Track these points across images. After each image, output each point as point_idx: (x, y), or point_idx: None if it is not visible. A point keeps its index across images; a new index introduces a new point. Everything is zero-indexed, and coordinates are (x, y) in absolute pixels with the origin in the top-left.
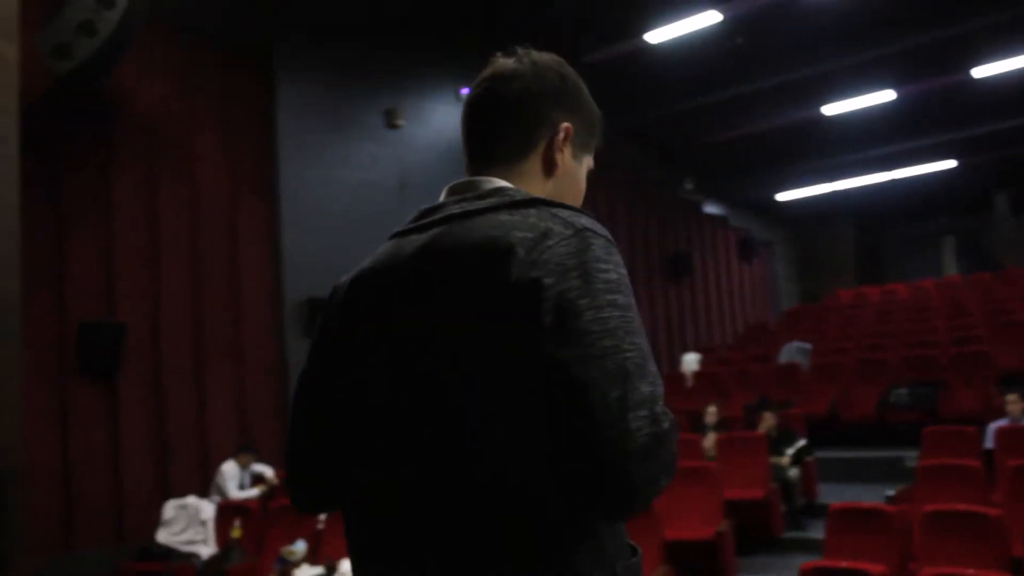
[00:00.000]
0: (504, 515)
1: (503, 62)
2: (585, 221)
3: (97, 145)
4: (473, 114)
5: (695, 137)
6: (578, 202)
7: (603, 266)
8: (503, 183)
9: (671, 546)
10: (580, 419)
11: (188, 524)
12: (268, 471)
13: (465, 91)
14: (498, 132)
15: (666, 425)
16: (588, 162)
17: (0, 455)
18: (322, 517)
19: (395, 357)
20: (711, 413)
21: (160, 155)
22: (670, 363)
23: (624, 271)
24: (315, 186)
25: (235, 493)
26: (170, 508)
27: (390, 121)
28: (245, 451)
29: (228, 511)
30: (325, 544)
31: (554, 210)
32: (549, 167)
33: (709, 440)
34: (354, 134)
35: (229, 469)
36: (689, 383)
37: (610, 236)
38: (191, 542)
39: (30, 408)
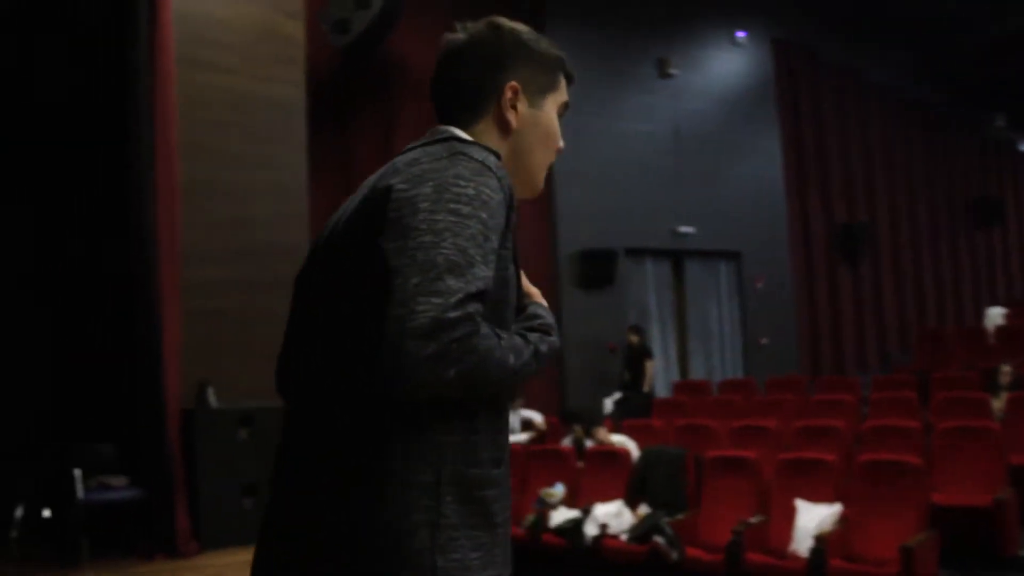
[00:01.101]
0: (352, 406)
1: (445, 40)
2: (474, 151)
3: (380, 109)
4: (431, 94)
5: (1005, 68)
6: (550, 145)
7: (461, 182)
8: (456, 131)
9: (939, 511)
10: (387, 304)
11: None
12: (537, 417)
13: (741, 35)
14: (450, 111)
15: (454, 315)
16: (555, 100)
17: None
18: (580, 464)
19: (303, 274)
20: (1005, 373)
21: None
22: (974, 316)
23: (491, 193)
24: (587, 139)
25: None
26: None
27: (663, 70)
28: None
29: None
30: (583, 487)
31: (456, 143)
32: (503, 127)
33: (1000, 401)
34: (627, 85)
35: None
36: (991, 339)
37: (496, 168)
38: None
39: None
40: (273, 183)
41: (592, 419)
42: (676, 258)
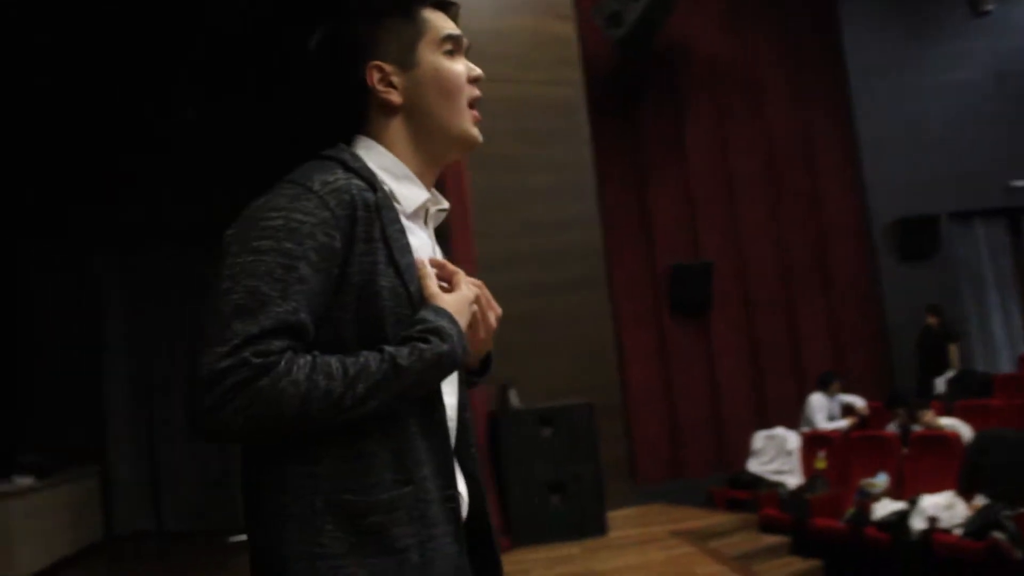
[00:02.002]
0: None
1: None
2: (303, 173)
3: (666, 99)
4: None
5: None
6: (450, 90)
7: (272, 214)
8: (332, 150)
9: None
10: None
11: (776, 454)
12: (859, 401)
13: None
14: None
15: (226, 363)
16: (429, 43)
17: (599, 392)
18: (904, 451)
19: None
20: None
21: (725, 94)
22: None
23: (303, 217)
24: (893, 99)
25: (823, 424)
26: (759, 439)
27: (977, 8)
28: (830, 381)
29: (812, 442)
30: (908, 477)
31: (296, 170)
32: (389, 109)
33: None
34: (933, 33)
35: (817, 400)
36: None
37: (317, 183)
38: (779, 472)
39: (633, 348)
40: (560, 185)
41: (917, 401)
42: (1012, 217)
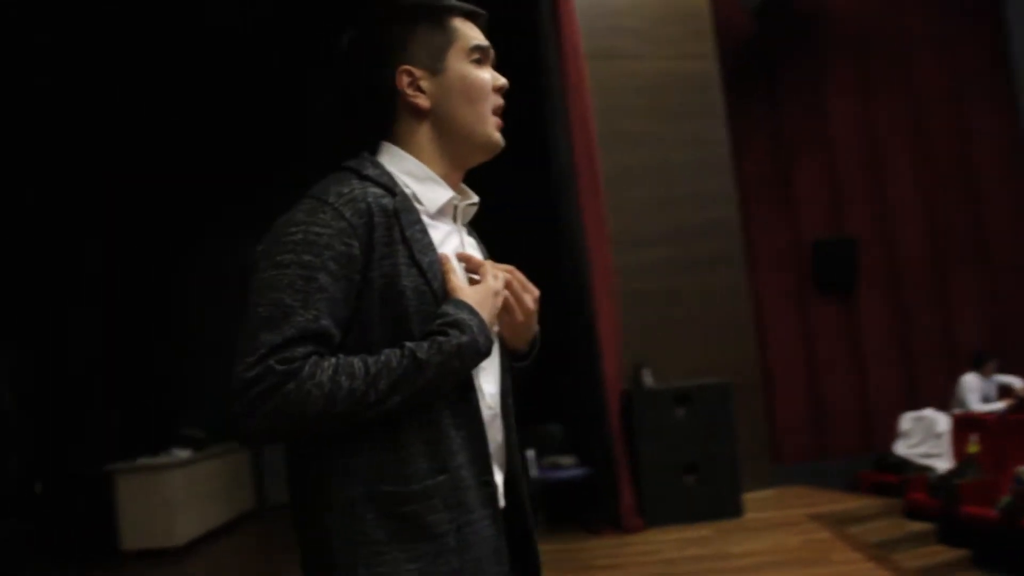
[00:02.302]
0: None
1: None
2: (321, 188)
3: (806, 68)
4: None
5: None
6: (476, 97)
7: (292, 229)
8: (352, 161)
9: None
10: None
11: (924, 437)
12: (1017, 382)
13: None
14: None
15: (252, 373)
16: (459, 51)
17: (737, 371)
18: None
19: None
20: None
21: (870, 62)
22: None
23: (320, 230)
24: None
25: (977, 406)
26: (907, 420)
27: None
28: (985, 360)
29: (965, 424)
30: None
31: (316, 186)
32: (417, 113)
33: None
34: None
35: (970, 380)
36: None
37: (332, 195)
38: (927, 455)
39: (775, 327)
40: (695, 161)
41: None
42: None
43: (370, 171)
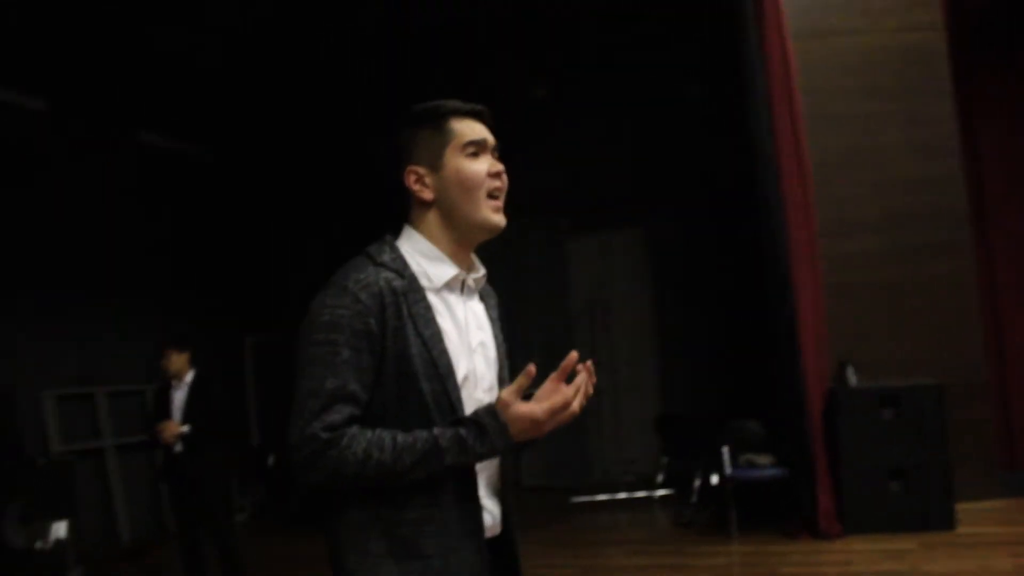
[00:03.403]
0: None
1: None
2: (342, 274)
3: None
4: None
5: None
6: (470, 188)
7: (322, 310)
8: (372, 247)
9: None
10: None
11: None
12: None
13: None
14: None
15: (300, 437)
16: (455, 149)
17: (959, 370)
18: None
19: None
20: None
21: None
22: None
23: (341, 311)
24: None
25: None
26: None
27: None
28: None
29: None
30: None
31: (347, 264)
32: (423, 204)
33: None
34: None
35: None
36: None
37: (351, 282)
38: None
39: (1017, 323)
40: (916, 141)
41: None
42: None
43: (385, 256)
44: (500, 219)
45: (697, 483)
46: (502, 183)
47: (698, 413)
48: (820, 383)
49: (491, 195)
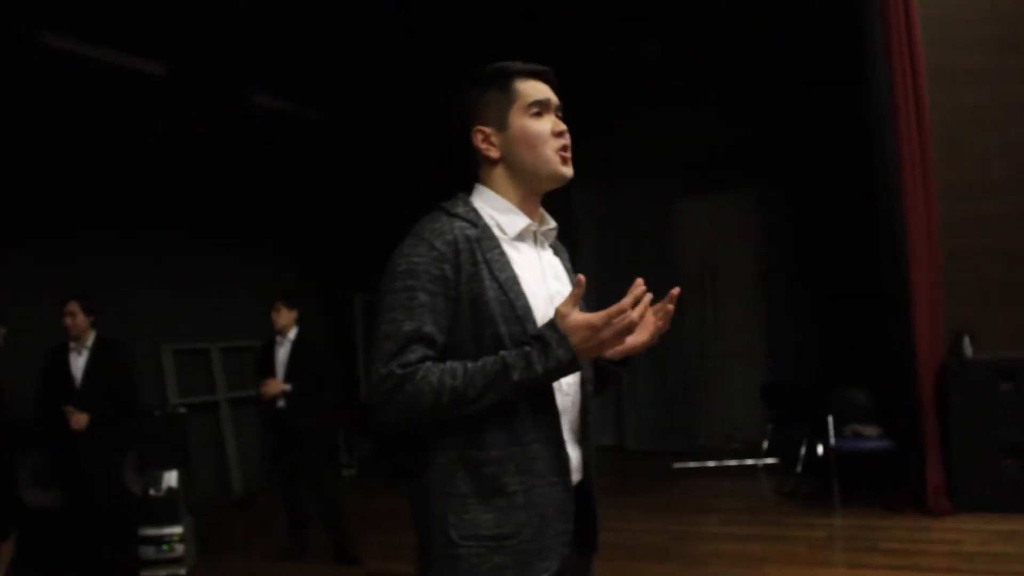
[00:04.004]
0: None
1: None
2: (421, 224)
3: None
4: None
5: None
6: (536, 144)
7: (400, 261)
8: (446, 202)
9: None
10: None
11: None
12: None
13: None
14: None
15: (380, 374)
16: (520, 108)
17: None
18: None
19: None
20: None
21: None
22: None
23: (417, 259)
24: None
25: None
26: None
27: None
28: None
29: None
30: None
31: (424, 217)
32: (490, 162)
33: None
34: None
35: None
36: None
37: (427, 232)
38: None
39: None
40: None
41: None
42: None
43: (459, 209)
44: (568, 169)
45: (802, 452)
46: (567, 140)
47: (804, 381)
48: (933, 353)
49: (557, 152)
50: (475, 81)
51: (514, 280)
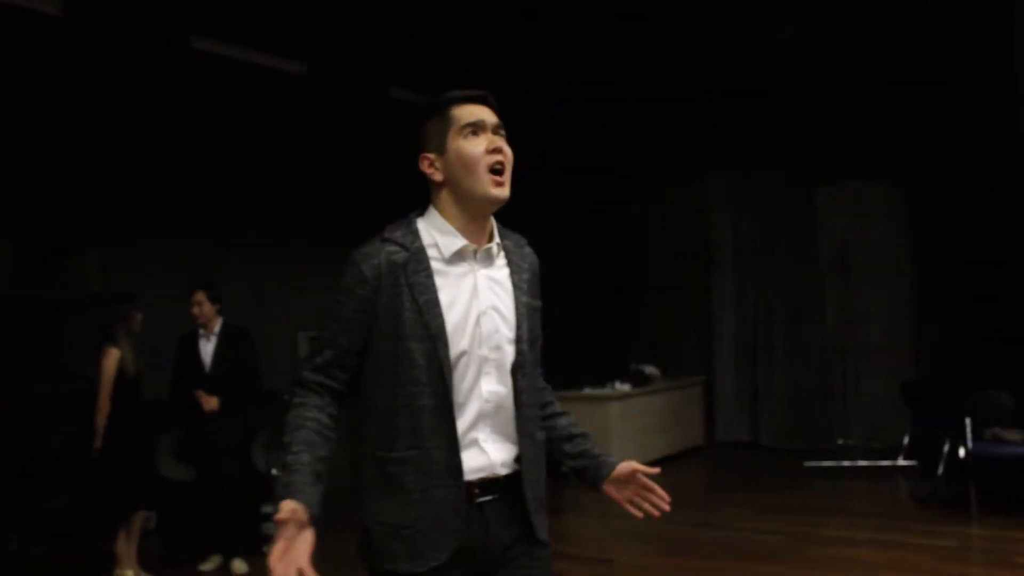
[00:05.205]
0: None
1: None
2: (355, 249)
3: None
4: None
5: None
6: (470, 165)
7: (343, 275)
8: (390, 225)
9: None
10: None
11: None
12: None
13: None
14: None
15: (302, 373)
16: (455, 133)
17: None
18: None
19: None
20: None
21: None
22: None
23: (347, 279)
24: None
25: None
26: None
27: None
28: None
29: None
30: None
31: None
32: (434, 184)
33: None
34: None
35: None
36: None
37: (359, 256)
38: None
39: None
40: None
41: None
42: None
43: (397, 233)
44: (499, 191)
45: (944, 455)
46: (501, 157)
47: (948, 380)
48: None
49: (492, 170)
50: (420, 114)
51: (432, 303)
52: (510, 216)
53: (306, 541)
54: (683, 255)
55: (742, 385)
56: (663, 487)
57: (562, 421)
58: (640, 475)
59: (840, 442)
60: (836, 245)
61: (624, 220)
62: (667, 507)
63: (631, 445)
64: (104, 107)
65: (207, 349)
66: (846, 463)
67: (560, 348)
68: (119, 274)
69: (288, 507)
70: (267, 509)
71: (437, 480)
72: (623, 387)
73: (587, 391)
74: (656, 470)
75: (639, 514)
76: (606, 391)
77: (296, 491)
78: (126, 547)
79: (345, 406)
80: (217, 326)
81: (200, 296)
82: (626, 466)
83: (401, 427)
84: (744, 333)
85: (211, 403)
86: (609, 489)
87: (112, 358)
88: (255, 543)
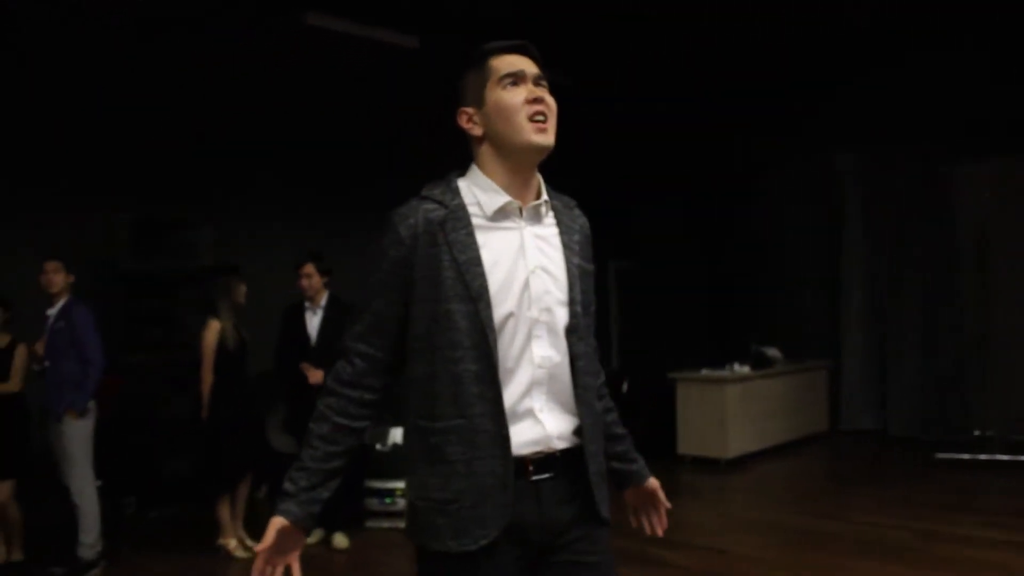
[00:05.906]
0: None
1: None
2: (393, 209)
3: None
4: None
5: None
6: (509, 116)
7: (383, 238)
8: (428, 184)
9: None
10: None
11: None
12: None
13: None
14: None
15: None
16: (494, 85)
17: None
18: None
19: None
20: None
21: None
22: None
23: (385, 242)
24: None
25: None
26: None
27: None
28: None
29: None
30: None
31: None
32: (475, 139)
33: None
34: None
35: None
36: None
37: (396, 216)
38: None
39: None
40: None
41: None
42: None
43: (435, 191)
44: (541, 138)
45: None
46: (543, 107)
47: None
48: None
49: (532, 119)
50: (460, 68)
51: (474, 261)
52: (637, 199)
53: (296, 543)
54: (808, 232)
55: (870, 371)
56: (782, 474)
57: (609, 417)
58: (658, 496)
59: (976, 433)
60: (975, 224)
61: (746, 198)
62: (660, 532)
63: (750, 430)
64: (217, 90)
65: (313, 322)
66: (982, 456)
67: (697, 329)
68: (231, 248)
69: (274, 527)
70: (371, 484)
71: (483, 451)
72: (742, 369)
73: (704, 372)
74: (668, 505)
75: (636, 523)
76: (724, 372)
77: (289, 504)
78: (229, 516)
79: (391, 375)
80: (324, 299)
81: (309, 268)
82: (653, 482)
83: (442, 394)
84: (873, 316)
85: (316, 376)
86: (628, 494)
87: (212, 330)
88: (357, 519)
